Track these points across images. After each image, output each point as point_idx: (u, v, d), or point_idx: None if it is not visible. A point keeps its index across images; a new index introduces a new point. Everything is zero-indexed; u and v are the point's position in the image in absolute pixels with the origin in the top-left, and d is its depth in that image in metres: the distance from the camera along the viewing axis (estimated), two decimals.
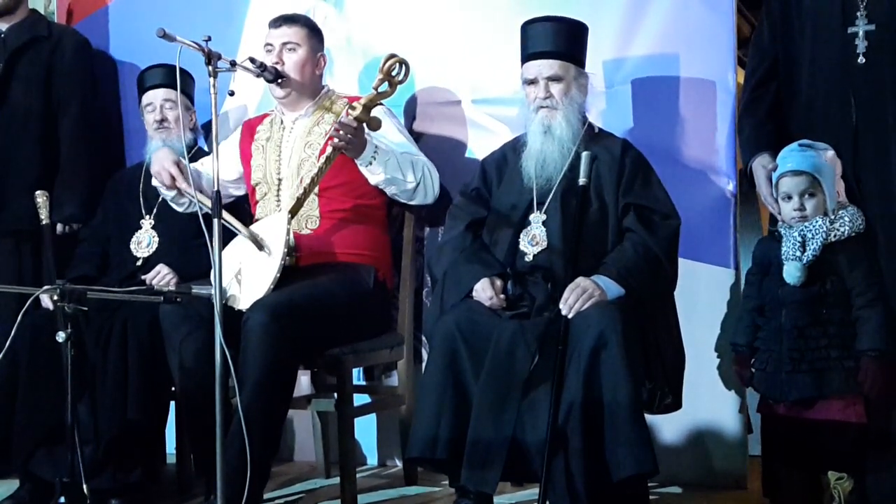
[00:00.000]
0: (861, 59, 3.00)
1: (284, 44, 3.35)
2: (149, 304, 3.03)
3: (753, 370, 2.96)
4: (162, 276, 3.39)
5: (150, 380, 3.23)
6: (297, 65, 3.34)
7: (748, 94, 3.21)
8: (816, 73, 3.06)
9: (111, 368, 3.21)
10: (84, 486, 2.75)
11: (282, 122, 3.45)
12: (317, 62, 3.41)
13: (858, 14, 3.02)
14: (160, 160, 3.30)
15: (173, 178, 3.26)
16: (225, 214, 2.93)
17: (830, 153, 2.94)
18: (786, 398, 2.86)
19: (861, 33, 3.01)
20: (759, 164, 3.11)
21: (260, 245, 3.08)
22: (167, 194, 3.43)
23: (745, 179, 3.19)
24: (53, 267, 3.49)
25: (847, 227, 2.88)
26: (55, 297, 2.76)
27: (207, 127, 3.83)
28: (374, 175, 3.21)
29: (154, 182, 3.42)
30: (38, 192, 3.56)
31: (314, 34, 3.42)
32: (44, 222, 3.53)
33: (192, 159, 3.22)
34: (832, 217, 2.89)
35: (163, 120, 3.61)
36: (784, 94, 3.14)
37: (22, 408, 3.21)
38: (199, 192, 3.11)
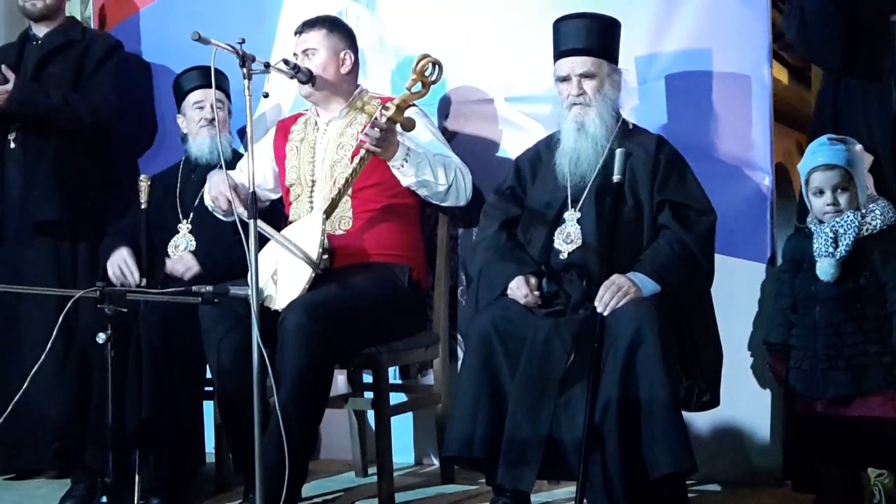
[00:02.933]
0: None
1: (304, 51, 3.38)
2: (161, 304, 3.05)
3: (789, 367, 2.94)
4: (184, 264, 3.45)
5: (163, 379, 3.23)
6: (317, 68, 3.35)
7: None
8: (856, 62, 3.02)
9: (130, 368, 3.23)
10: (136, 486, 2.76)
11: (316, 123, 3.47)
12: (340, 61, 3.40)
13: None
14: (217, 185, 3.29)
15: (230, 203, 3.23)
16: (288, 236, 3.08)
17: (859, 147, 2.92)
18: (823, 396, 2.83)
19: None
20: None
21: (315, 266, 3.08)
22: (220, 214, 3.44)
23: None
24: (146, 253, 3.58)
25: (879, 221, 2.86)
26: (96, 299, 2.78)
27: (242, 131, 3.86)
28: (406, 177, 3.21)
29: (208, 202, 3.45)
30: (142, 177, 3.66)
31: (333, 33, 3.41)
32: (143, 206, 3.60)
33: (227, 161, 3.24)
34: (863, 211, 2.86)
35: (212, 119, 3.63)
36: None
37: (96, 411, 3.22)
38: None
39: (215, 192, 3.32)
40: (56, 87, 3.85)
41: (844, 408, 2.82)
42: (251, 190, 2.68)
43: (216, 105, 3.60)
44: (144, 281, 3.53)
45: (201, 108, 3.66)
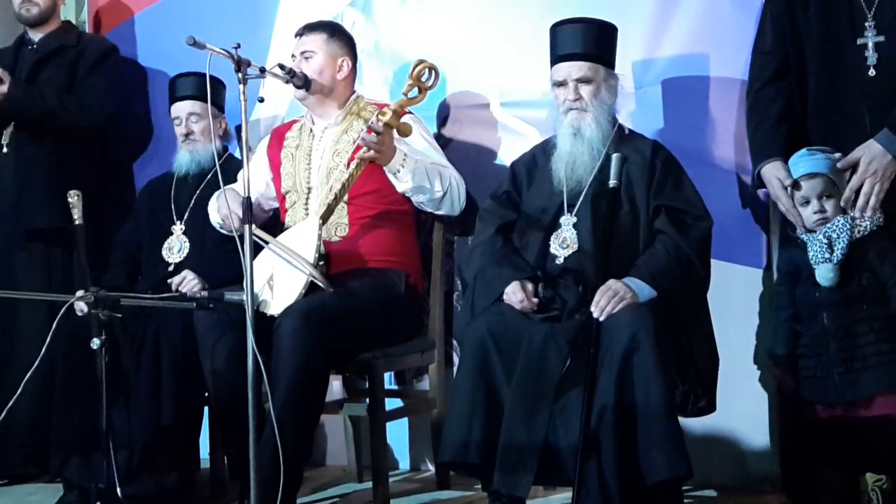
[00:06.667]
0: (872, 72, 2.97)
1: (302, 53, 3.39)
2: (182, 310, 3.05)
3: (800, 378, 2.92)
4: (187, 282, 3.40)
5: (184, 385, 3.24)
6: (313, 72, 3.36)
7: (754, 95, 3.16)
8: (827, 83, 3.03)
9: (144, 374, 3.23)
10: (118, 492, 2.76)
11: (311, 130, 3.46)
12: (337, 66, 3.41)
13: (867, 25, 2.99)
14: (226, 205, 3.23)
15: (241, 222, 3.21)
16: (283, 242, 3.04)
17: (837, 154, 2.94)
18: (843, 399, 2.83)
19: (871, 45, 2.98)
20: (772, 173, 3.04)
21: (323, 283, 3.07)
22: (224, 231, 3.43)
23: (754, 183, 3.15)
24: (88, 269, 3.48)
25: (868, 223, 2.88)
26: (90, 304, 2.77)
27: (238, 133, 3.86)
28: (402, 183, 3.20)
29: (214, 220, 3.44)
30: (70, 192, 3.51)
31: (333, 39, 3.42)
32: (77, 223, 3.49)
33: (223, 166, 3.22)
34: (852, 215, 2.88)
35: (188, 133, 3.64)
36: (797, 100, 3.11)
37: (58, 414, 3.23)
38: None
39: (226, 211, 3.28)
40: (51, 91, 3.85)
41: (865, 409, 2.81)
42: (246, 195, 2.67)
43: (191, 119, 3.62)
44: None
45: (178, 124, 3.69)
